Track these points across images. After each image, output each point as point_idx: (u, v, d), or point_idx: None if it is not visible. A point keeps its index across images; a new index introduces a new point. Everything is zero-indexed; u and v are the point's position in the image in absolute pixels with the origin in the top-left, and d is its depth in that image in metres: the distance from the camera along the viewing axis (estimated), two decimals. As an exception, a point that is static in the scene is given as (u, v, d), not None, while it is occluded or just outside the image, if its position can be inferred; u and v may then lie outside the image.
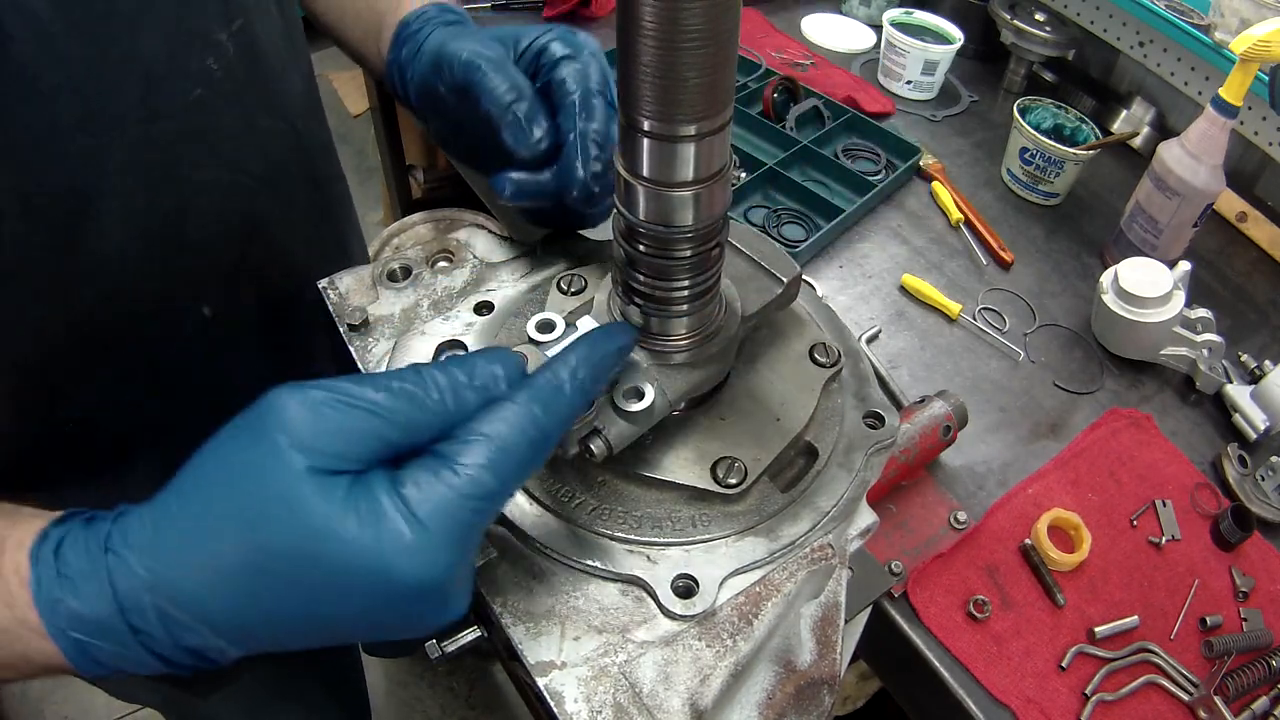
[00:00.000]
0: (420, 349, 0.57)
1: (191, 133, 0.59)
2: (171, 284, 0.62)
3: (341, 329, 0.59)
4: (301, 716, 1.12)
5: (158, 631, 0.36)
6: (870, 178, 1.25)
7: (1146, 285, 1.01)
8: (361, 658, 1.36)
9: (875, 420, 0.56)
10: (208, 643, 0.37)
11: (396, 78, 0.63)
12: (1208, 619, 0.84)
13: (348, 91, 3.20)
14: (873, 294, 1.13)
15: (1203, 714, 0.77)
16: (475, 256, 0.63)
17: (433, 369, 0.38)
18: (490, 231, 0.66)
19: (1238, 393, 1.03)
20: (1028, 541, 0.86)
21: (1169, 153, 1.10)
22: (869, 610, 0.63)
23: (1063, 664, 0.79)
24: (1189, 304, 1.03)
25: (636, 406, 0.46)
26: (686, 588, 0.46)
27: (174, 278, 0.62)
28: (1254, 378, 1.07)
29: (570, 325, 0.50)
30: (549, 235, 0.65)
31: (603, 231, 0.62)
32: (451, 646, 0.51)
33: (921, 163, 1.30)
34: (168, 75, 0.55)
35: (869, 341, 1.05)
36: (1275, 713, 0.79)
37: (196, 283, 0.65)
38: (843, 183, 1.26)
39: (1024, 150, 1.27)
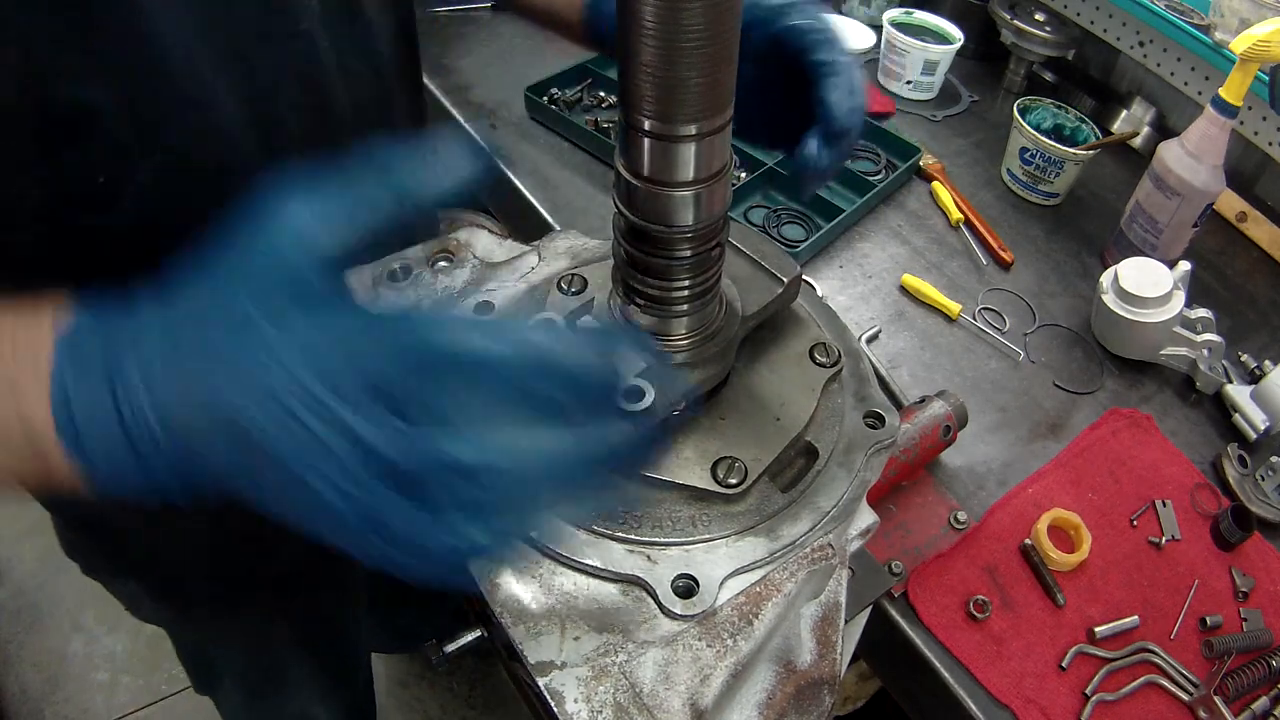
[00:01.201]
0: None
1: (294, 59, 0.61)
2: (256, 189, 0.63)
3: (342, 329, 0.59)
4: (305, 671, 1.12)
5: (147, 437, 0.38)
6: (870, 178, 1.25)
7: (1146, 285, 1.01)
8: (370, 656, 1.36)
9: (875, 420, 0.56)
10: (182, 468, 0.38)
11: (601, 24, 0.63)
12: (1208, 619, 0.84)
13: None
14: (873, 294, 1.13)
15: (1203, 714, 0.77)
16: (475, 256, 0.63)
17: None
18: (490, 231, 0.66)
19: (1238, 393, 1.03)
20: (1028, 541, 0.86)
21: (1169, 153, 1.10)
22: (869, 610, 0.63)
23: (1063, 664, 0.79)
24: (1189, 304, 1.03)
25: (636, 406, 0.46)
26: (687, 588, 0.46)
27: (259, 184, 0.63)
28: (1254, 378, 1.07)
29: (570, 325, 0.50)
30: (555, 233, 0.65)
31: (603, 231, 0.63)
32: (451, 647, 0.51)
33: (921, 163, 1.30)
34: (281, 5, 0.58)
35: (869, 341, 1.05)
36: (1275, 713, 0.79)
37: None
38: (843, 183, 1.26)
39: (1024, 150, 1.27)
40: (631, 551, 0.48)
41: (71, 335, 0.40)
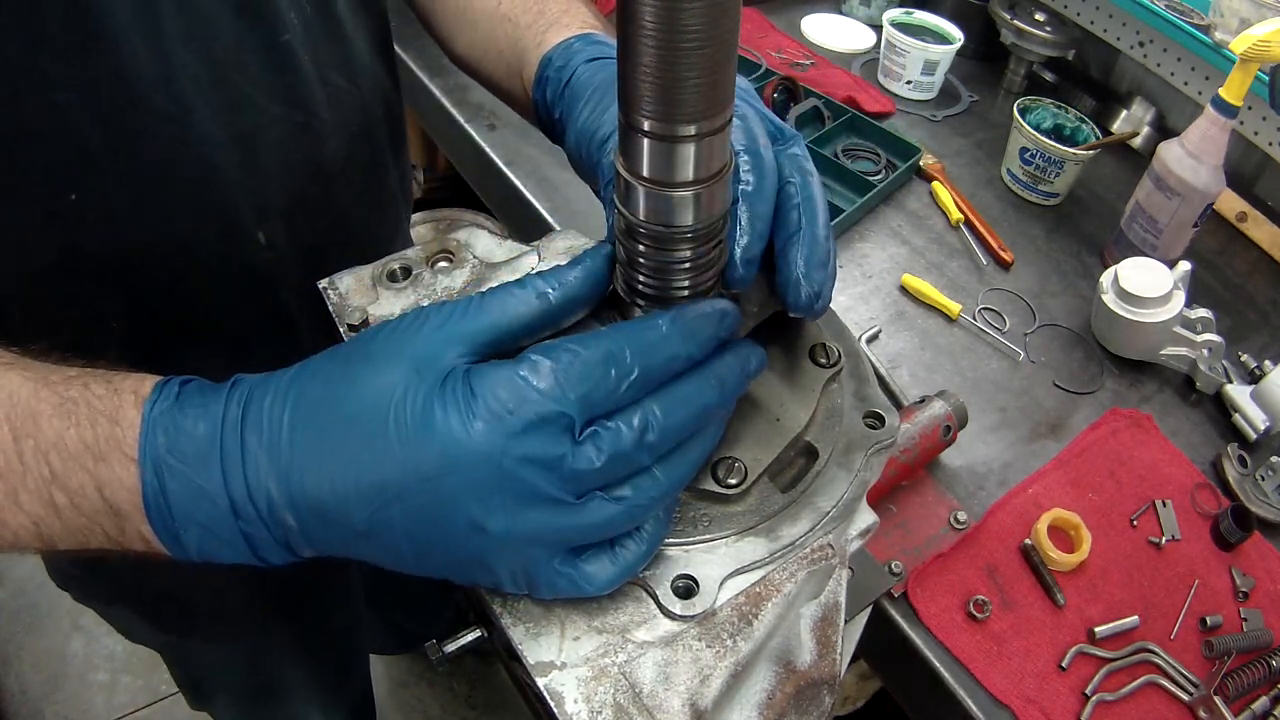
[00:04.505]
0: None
1: (273, 70, 0.61)
2: (237, 203, 0.63)
3: (341, 329, 0.59)
4: (303, 678, 1.12)
5: (257, 521, 0.38)
6: (870, 178, 1.25)
7: (1146, 285, 1.01)
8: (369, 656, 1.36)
9: (875, 420, 0.56)
10: (298, 543, 0.39)
11: (545, 118, 0.63)
12: (1208, 619, 0.84)
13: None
14: (873, 294, 1.13)
15: (1203, 714, 0.77)
16: (475, 256, 0.63)
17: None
18: (490, 231, 0.66)
19: (1238, 393, 1.03)
20: (1028, 541, 0.86)
21: (1169, 153, 1.10)
22: (869, 610, 0.63)
23: (1063, 664, 0.79)
24: (1189, 304, 1.03)
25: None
26: (686, 588, 0.46)
27: (240, 197, 0.63)
28: (1254, 378, 1.07)
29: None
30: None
31: (602, 232, 0.62)
32: (451, 647, 0.51)
33: (921, 163, 1.30)
34: (259, 14, 0.58)
35: (869, 341, 1.05)
36: (1275, 713, 0.79)
37: (259, 207, 0.65)
38: (843, 183, 1.26)
39: (1024, 150, 1.27)
40: (631, 552, 0.48)
41: (164, 406, 0.39)
